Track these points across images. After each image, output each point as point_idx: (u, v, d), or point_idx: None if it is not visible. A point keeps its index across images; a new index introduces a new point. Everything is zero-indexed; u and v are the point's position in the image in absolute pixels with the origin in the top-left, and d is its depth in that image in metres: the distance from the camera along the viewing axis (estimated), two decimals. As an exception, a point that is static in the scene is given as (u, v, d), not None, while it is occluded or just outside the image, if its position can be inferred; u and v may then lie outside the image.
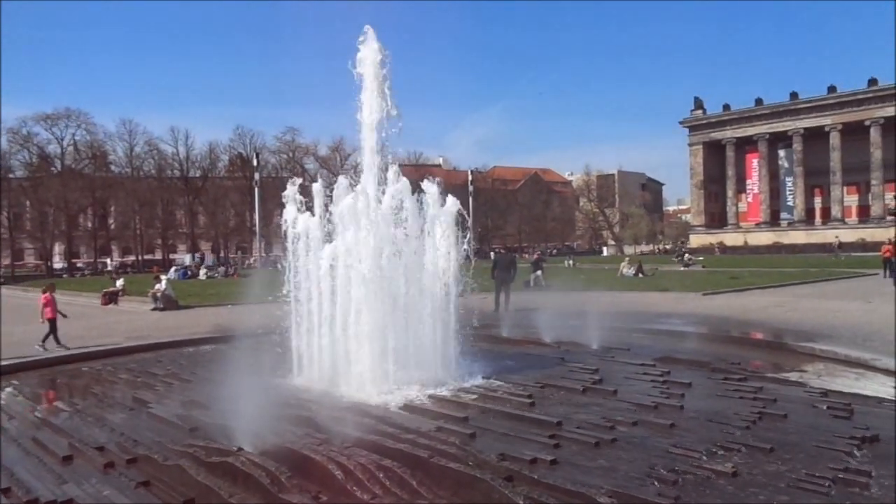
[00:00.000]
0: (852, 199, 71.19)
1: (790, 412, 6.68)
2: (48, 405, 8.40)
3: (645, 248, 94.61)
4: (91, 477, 5.36)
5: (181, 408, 7.59)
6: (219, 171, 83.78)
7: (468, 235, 8.72)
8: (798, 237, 69.92)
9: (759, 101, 75.55)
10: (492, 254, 29.07)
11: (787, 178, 73.56)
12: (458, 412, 6.94)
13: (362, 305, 8.04)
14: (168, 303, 22.31)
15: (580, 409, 7.10)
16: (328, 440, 5.87)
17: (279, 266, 9.00)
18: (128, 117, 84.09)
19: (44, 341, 12.74)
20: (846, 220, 69.52)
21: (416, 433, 6.01)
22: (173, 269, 47.19)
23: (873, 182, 67.06)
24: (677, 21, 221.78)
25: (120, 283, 28.50)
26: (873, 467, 5.05)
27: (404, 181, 8.51)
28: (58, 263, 74.02)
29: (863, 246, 58.13)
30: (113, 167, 78.42)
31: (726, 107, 78.41)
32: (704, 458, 5.32)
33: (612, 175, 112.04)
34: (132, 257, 77.97)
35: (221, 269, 50.67)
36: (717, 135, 78.62)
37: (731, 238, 75.04)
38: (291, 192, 8.90)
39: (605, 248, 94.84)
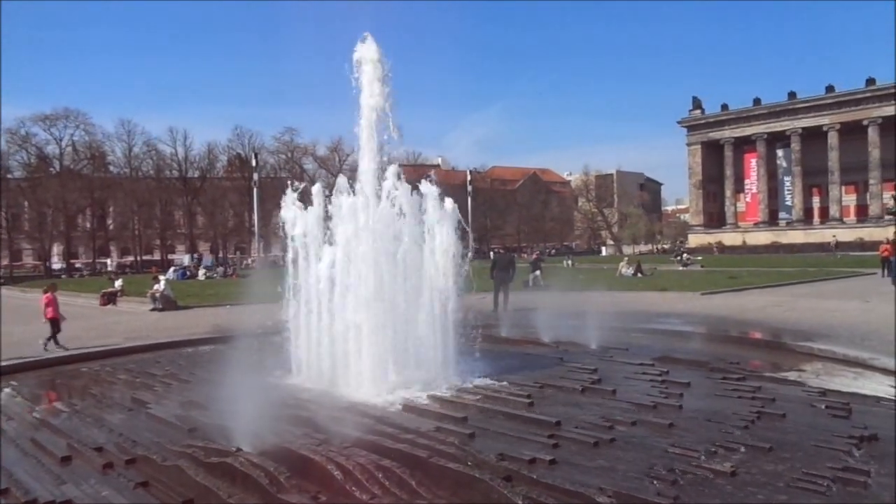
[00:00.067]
0: (850, 199, 71.24)
1: (789, 412, 6.69)
2: (47, 406, 8.37)
3: (643, 247, 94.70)
4: (90, 477, 5.36)
5: (180, 408, 7.59)
6: (217, 171, 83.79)
7: (467, 236, 8.72)
8: (796, 237, 70.00)
9: (757, 101, 75.61)
10: (491, 254, 29.09)
11: (786, 178, 73.64)
12: (457, 412, 6.94)
13: (361, 306, 8.05)
14: (167, 303, 22.29)
15: (579, 408, 7.10)
16: (327, 440, 5.87)
17: (280, 263, 9.00)
18: (126, 118, 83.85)
19: (48, 341, 12.74)
20: (844, 219, 69.58)
21: (415, 433, 6.01)
22: (172, 269, 47.19)
23: (871, 181, 67.15)
24: (676, 21, 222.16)
25: (118, 283, 28.47)
26: (872, 466, 5.06)
27: (404, 185, 8.50)
28: (56, 264, 73.95)
29: (861, 245, 58.24)
30: (111, 168, 78.43)
31: (724, 107, 78.48)
32: (703, 457, 5.32)
33: (611, 175, 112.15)
34: (131, 258, 77.93)
35: (220, 269, 50.67)
36: (715, 135, 78.68)
37: (730, 238, 75.10)
38: (291, 199, 8.90)
39: (603, 248, 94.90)
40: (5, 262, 68.57)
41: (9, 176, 68.80)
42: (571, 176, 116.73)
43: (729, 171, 77.37)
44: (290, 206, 8.89)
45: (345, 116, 8.87)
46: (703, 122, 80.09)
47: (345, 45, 8.81)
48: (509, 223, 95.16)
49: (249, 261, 71.90)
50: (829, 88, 70.01)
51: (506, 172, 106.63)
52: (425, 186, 8.42)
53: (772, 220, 74.54)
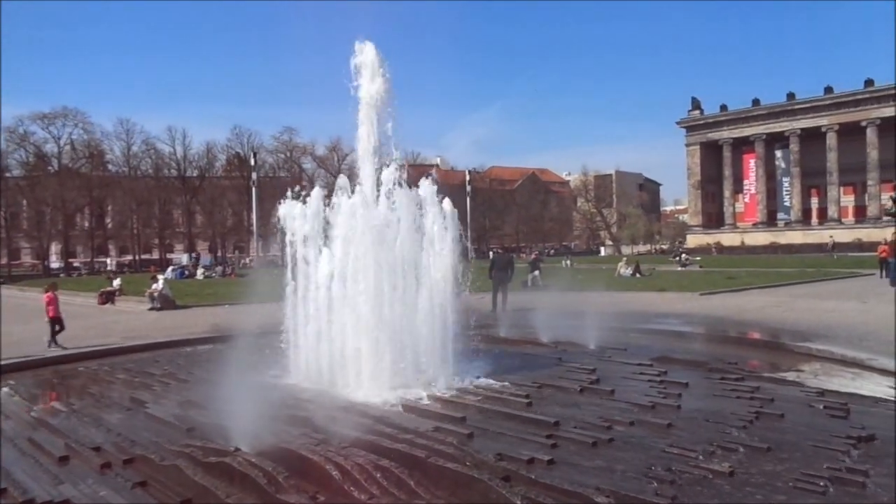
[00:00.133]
0: (849, 200, 71.32)
1: (787, 412, 6.69)
2: (45, 405, 8.37)
3: (642, 248, 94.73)
4: (87, 477, 5.35)
5: (178, 408, 7.58)
6: (216, 170, 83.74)
7: (466, 236, 8.73)
8: (795, 237, 70.06)
9: (756, 102, 75.69)
10: (490, 254, 29.09)
11: (784, 179, 73.74)
12: (455, 412, 6.94)
13: (360, 305, 8.05)
14: (165, 302, 22.26)
15: (577, 409, 7.11)
16: (326, 440, 5.87)
17: (279, 262, 9.01)
18: (125, 116, 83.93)
19: (52, 339, 12.72)
20: (843, 220, 69.68)
21: (414, 433, 6.01)
22: (170, 268, 47.17)
23: (870, 182, 67.24)
24: (675, 21, 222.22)
25: (117, 282, 28.42)
26: (870, 467, 5.07)
27: (404, 185, 8.51)
28: (54, 263, 73.85)
29: (859, 246, 58.32)
30: (110, 166, 78.33)
31: (723, 107, 78.55)
32: (701, 457, 5.33)
33: (610, 175, 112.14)
34: (129, 257, 77.84)
35: (219, 268, 50.64)
36: (714, 135, 78.75)
37: (728, 238, 75.17)
38: (291, 201, 8.90)
39: (602, 249, 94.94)
40: (3, 261, 68.41)
41: (7, 174, 68.64)
42: (570, 176, 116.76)
43: (728, 172, 77.44)
44: (289, 207, 8.89)
45: (343, 116, 8.91)
46: (701, 122, 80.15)
47: (344, 45, 8.84)
48: (508, 223, 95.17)
49: (247, 260, 71.90)
50: (828, 89, 70.13)
51: (504, 172, 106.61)
52: (425, 186, 8.42)
53: (770, 221, 74.62)
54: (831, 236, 62.53)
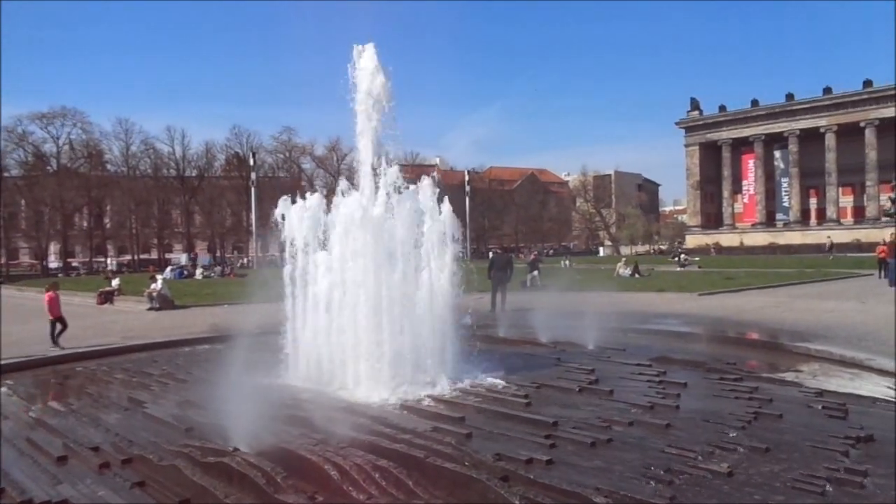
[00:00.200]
0: (847, 200, 71.34)
1: (786, 412, 6.70)
2: (43, 405, 8.34)
3: (641, 248, 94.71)
4: (86, 477, 5.35)
5: (177, 408, 7.58)
6: (215, 170, 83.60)
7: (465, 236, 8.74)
8: (793, 238, 70.07)
9: (755, 103, 75.71)
10: (489, 254, 29.10)
11: (783, 179, 73.78)
12: (454, 412, 6.94)
13: (359, 305, 8.05)
14: (164, 302, 22.24)
15: (576, 409, 7.11)
16: (324, 440, 5.87)
17: (279, 262, 9.01)
18: (124, 116, 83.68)
19: (56, 339, 12.70)
20: (841, 220, 69.70)
21: (413, 433, 6.01)
22: (169, 268, 47.14)
23: (868, 183, 67.25)
24: (675, 21, 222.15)
25: (116, 282, 28.39)
26: (869, 467, 5.07)
27: (403, 185, 8.52)
28: (53, 263, 73.78)
29: (858, 247, 58.34)
30: (109, 166, 78.18)
31: (722, 108, 78.58)
32: (700, 458, 5.33)
33: (609, 175, 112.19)
34: (128, 257, 77.78)
35: (217, 268, 50.62)
36: (713, 136, 78.77)
37: (727, 239, 75.16)
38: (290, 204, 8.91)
39: (601, 249, 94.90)
40: (2, 260, 68.34)
41: (6, 174, 68.54)
42: (569, 176, 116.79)
43: (726, 173, 77.46)
44: (288, 209, 8.89)
45: (343, 116, 8.92)
46: (700, 123, 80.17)
47: (344, 44, 8.83)
48: (507, 223, 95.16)
49: (245, 260, 71.89)
50: (827, 90, 70.16)
51: (504, 173, 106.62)
52: (425, 186, 8.42)
53: (769, 222, 74.66)
54: (829, 237, 62.51)
